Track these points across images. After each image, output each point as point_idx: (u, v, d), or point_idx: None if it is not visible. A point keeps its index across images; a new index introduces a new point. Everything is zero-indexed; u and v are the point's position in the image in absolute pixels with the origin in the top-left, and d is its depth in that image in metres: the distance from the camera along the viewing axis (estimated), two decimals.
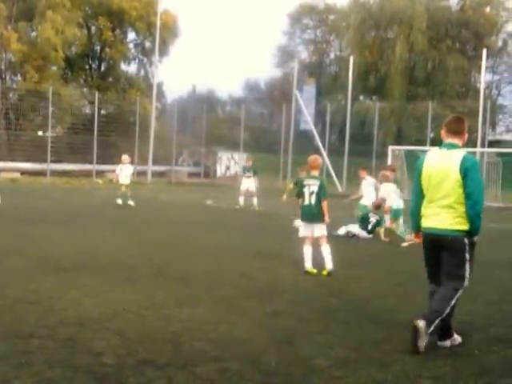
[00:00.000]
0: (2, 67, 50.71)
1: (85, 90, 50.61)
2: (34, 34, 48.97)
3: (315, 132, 46.80)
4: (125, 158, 23.17)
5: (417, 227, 6.41)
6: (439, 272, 6.20)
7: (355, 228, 15.92)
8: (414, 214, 6.44)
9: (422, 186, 6.26)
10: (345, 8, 67.65)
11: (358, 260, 12.11)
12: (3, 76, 50.14)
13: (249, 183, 24.13)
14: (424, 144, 39.70)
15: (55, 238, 13.18)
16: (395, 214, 16.19)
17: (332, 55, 75.41)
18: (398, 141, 46.90)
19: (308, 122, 48.10)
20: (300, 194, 10.41)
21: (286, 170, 44.51)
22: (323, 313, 7.42)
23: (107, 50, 52.91)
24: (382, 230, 15.70)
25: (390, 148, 33.45)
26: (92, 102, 46.97)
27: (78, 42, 49.95)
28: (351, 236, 15.61)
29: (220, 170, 52.88)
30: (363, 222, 15.94)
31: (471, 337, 6.53)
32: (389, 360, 5.67)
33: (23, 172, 39.82)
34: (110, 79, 54.78)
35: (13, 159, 40.38)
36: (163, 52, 52.06)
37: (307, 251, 10.12)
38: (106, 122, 45.37)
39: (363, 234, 15.73)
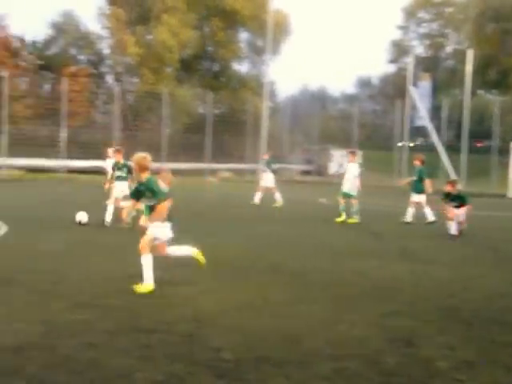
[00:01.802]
0: (121, 70, 52.59)
1: (198, 90, 51.66)
2: (150, 37, 50.44)
3: (431, 128, 45.64)
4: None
5: None
6: None
7: None
8: None
9: None
10: (462, 0, 65.76)
11: (473, 257, 11.68)
12: (121, 79, 51.94)
13: (266, 178, 23.59)
14: None
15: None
16: None
17: (449, 49, 73.39)
18: None
19: (424, 118, 46.99)
20: None
21: (400, 168, 43.66)
22: (443, 313, 7.18)
23: (220, 50, 53.72)
24: None
25: None
26: (205, 102, 47.90)
27: (192, 44, 50.99)
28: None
29: (332, 168, 52.55)
30: None
31: None
32: None
33: None
34: (223, 79, 55.65)
35: (130, 159, 41.73)
36: (275, 50, 52.33)
37: None
38: (219, 122, 46.09)
39: None
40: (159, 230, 8.04)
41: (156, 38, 47.90)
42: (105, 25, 53.00)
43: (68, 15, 53.42)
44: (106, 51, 54.95)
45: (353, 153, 19.03)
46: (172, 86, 46.52)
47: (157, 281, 7.83)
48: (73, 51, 54.36)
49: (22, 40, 49.84)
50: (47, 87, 51.10)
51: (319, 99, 61.80)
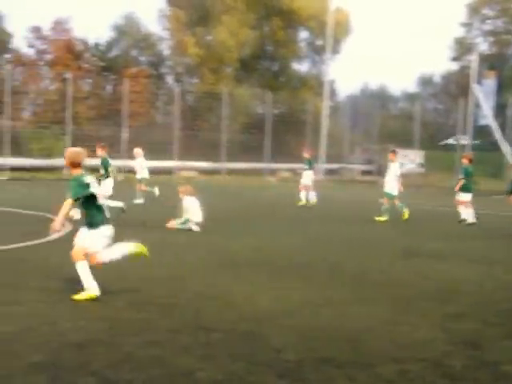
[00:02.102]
0: (181, 71, 53.14)
1: (257, 90, 51.78)
2: (209, 37, 50.82)
3: (496, 127, 44.60)
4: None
5: None
6: None
7: None
8: None
9: None
10: None
11: None
12: (181, 79, 52.47)
13: (306, 176, 23.13)
14: None
15: (232, 234, 13.53)
16: None
17: None
18: None
19: (488, 116, 45.96)
20: None
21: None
22: (510, 316, 6.98)
23: (279, 49, 53.71)
24: None
25: None
26: (264, 102, 47.96)
27: (251, 44, 51.14)
28: None
29: None
30: None
31: None
32: None
33: (200, 171, 41.44)
34: (282, 78, 55.59)
35: (190, 158, 42.15)
36: (335, 49, 52.04)
37: None
38: (278, 121, 46.07)
39: None
40: (91, 240, 7.23)
41: (215, 39, 48.25)
42: (165, 26, 53.70)
43: (129, 18, 54.28)
44: (167, 52, 55.64)
45: (394, 152, 18.65)
46: (231, 86, 46.75)
47: (216, 279, 7.85)
48: (134, 53, 55.18)
49: (85, 43, 50.87)
50: (109, 88, 52.02)
51: (379, 98, 61.12)
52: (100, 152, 16.14)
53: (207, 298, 7.25)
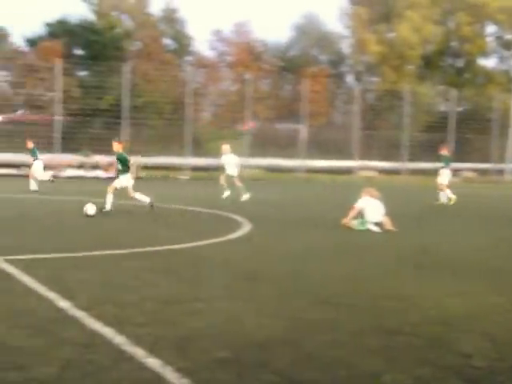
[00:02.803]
0: (361, 69, 52.78)
1: (440, 87, 50.20)
2: (391, 34, 50.06)
3: None
4: None
5: None
6: None
7: None
8: None
9: None
10: None
11: None
12: (362, 78, 52.14)
13: (442, 174, 21.91)
14: None
15: (413, 234, 13.12)
16: None
17: None
18: None
19: None
20: None
21: None
22: None
23: (465, 45, 51.74)
24: None
25: None
26: (447, 100, 46.40)
27: (435, 40, 49.70)
28: None
29: None
30: None
31: None
32: None
33: (380, 170, 40.91)
34: (467, 75, 53.52)
35: (370, 158, 41.74)
36: None
37: None
38: (461, 120, 44.39)
39: None
40: None
41: (398, 35, 47.40)
42: (346, 24, 53.59)
43: (310, 17, 54.80)
44: (347, 51, 55.50)
45: None
46: (413, 84, 45.67)
47: (398, 281, 7.56)
48: (313, 52, 55.62)
49: (264, 43, 52.09)
50: (288, 88, 52.83)
51: None
52: (116, 147, 16.00)
53: (389, 300, 6.99)
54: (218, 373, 4.48)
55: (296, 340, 5.38)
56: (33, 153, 24.29)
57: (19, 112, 42.27)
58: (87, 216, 14.34)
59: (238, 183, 21.69)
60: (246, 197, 20.99)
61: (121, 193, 16.02)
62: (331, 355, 4.98)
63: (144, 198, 16.03)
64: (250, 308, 6.45)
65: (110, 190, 15.42)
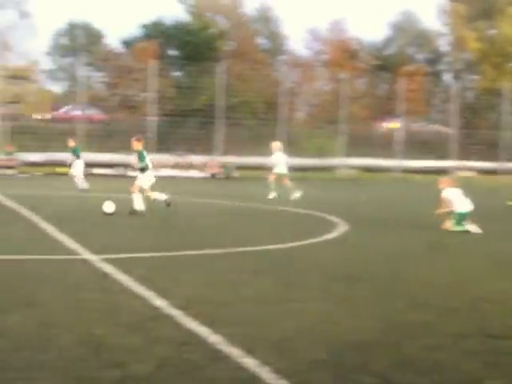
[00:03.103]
0: (460, 67, 51.43)
1: None
2: (492, 31, 48.61)
3: None
4: None
5: None
6: None
7: None
8: None
9: None
10: None
11: None
12: (460, 76, 50.81)
13: None
14: None
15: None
16: None
17: None
18: None
19: None
20: None
21: None
22: None
23: None
24: None
25: None
26: None
27: None
28: None
29: None
30: None
31: None
32: None
33: (479, 171, 39.76)
34: None
35: (468, 158, 40.63)
36: None
37: None
38: None
39: None
40: None
41: (499, 32, 45.93)
42: (445, 22, 52.32)
43: (407, 14, 53.84)
44: (444, 49, 54.20)
45: None
46: None
47: (497, 284, 7.25)
48: (410, 50, 54.62)
49: (360, 42, 51.54)
50: (383, 87, 52.10)
51: None
52: (136, 145, 15.50)
53: (490, 303, 6.71)
54: (315, 374, 4.39)
55: (394, 342, 5.22)
56: (74, 152, 23.36)
57: (65, 109, 42.95)
58: (105, 214, 14.01)
59: (287, 182, 21.25)
60: (296, 195, 20.37)
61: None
62: (430, 358, 4.80)
63: (161, 197, 15.35)
64: (346, 309, 6.33)
65: (135, 189, 14.75)
